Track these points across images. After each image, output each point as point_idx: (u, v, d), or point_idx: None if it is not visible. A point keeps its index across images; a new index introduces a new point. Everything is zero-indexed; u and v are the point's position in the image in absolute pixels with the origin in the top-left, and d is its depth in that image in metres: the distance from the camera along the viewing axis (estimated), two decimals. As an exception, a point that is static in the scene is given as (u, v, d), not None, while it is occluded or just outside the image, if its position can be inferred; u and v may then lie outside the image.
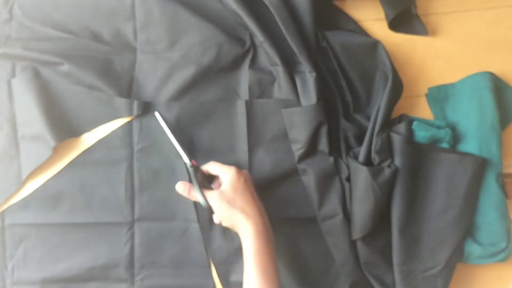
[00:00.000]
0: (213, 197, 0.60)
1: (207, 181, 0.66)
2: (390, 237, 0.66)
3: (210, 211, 0.62)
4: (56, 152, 0.70)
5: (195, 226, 0.70)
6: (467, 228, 0.67)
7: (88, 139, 0.71)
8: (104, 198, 0.70)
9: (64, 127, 0.70)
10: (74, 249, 0.71)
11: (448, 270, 0.66)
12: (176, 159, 0.69)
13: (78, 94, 0.70)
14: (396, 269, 0.66)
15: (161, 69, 0.70)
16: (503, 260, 0.67)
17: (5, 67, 0.70)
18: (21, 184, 0.70)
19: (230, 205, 0.59)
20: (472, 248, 0.67)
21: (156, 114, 0.69)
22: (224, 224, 0.62)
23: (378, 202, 0.64)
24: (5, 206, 0.71)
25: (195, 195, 0.61)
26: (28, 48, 0.70)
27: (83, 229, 0.71)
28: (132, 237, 0.70)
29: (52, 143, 0.68)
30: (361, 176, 0.64)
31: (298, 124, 0.67)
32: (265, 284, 0.57)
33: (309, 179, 0.67)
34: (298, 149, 0.68)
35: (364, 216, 0.64)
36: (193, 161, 0.64)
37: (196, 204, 0.69)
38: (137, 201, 0.70)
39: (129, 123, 0.70)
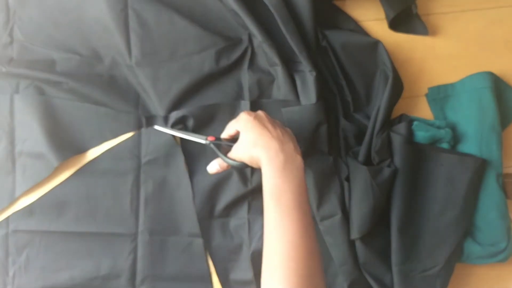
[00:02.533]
0: (235, 152, 0.60)
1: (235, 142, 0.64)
2: (389, 237, 0.66)
3: (245, 166, 0.60)
4: (60, 164, 0.69)
5: (198, 241, 0.70)
6: (467, 229, 0.67)
7: (94, 152, 0.70)
8: (109, 208, 0.70)
9: (67, 145, 0.69)
10: (77, 258, 0.70)
11: (447, 271, 0.66)
12: (182, 172, 0.69)
13: (84, 111, 0.69)
14: (394, 269, 0.66)
15: (162, 81, 0.69)
16: (503, 260, 0.67)
17: (9, 83, 0.69)
18: (14, 200, 0.70)
19: (248, 147, 0.58)
20: (472, 248, 0.67)
21: (156, 127, 0.69)
22: (255, 166, 0.59)
23: (377, 201, 0.64)
24: (9, 213, 0.70)
25: (226, 162, 0.61)
26: (31, 68, 0.70)
27: (86, 238, 0.70)
28: (135, 249, 0.70)
29: (55, 163, 0.68)
30: (361, 175, 0.64)
31: (298, 123, 0.67)
32: (281, 213, 0.52)
33: (309, 178, 0.67)
34: (298, 148, 0.68)
35: (363, 216, 0.64)
36: (209, 137, 0.64)
37: (198, 210, 0.69)
38: (142, 213, 0.70)
39: (138, 135, 0.70)
